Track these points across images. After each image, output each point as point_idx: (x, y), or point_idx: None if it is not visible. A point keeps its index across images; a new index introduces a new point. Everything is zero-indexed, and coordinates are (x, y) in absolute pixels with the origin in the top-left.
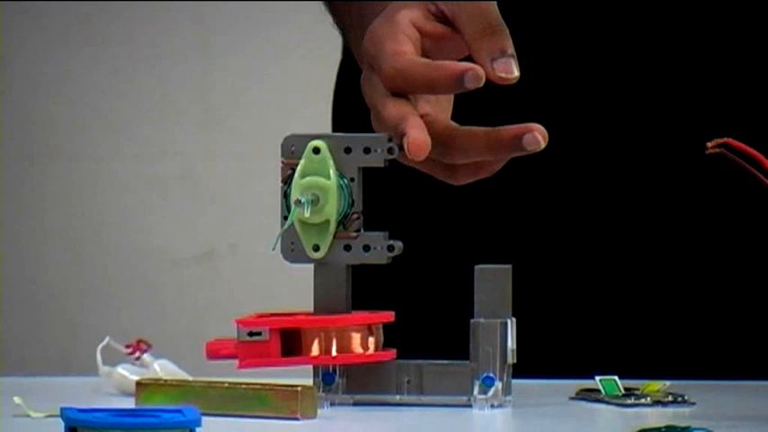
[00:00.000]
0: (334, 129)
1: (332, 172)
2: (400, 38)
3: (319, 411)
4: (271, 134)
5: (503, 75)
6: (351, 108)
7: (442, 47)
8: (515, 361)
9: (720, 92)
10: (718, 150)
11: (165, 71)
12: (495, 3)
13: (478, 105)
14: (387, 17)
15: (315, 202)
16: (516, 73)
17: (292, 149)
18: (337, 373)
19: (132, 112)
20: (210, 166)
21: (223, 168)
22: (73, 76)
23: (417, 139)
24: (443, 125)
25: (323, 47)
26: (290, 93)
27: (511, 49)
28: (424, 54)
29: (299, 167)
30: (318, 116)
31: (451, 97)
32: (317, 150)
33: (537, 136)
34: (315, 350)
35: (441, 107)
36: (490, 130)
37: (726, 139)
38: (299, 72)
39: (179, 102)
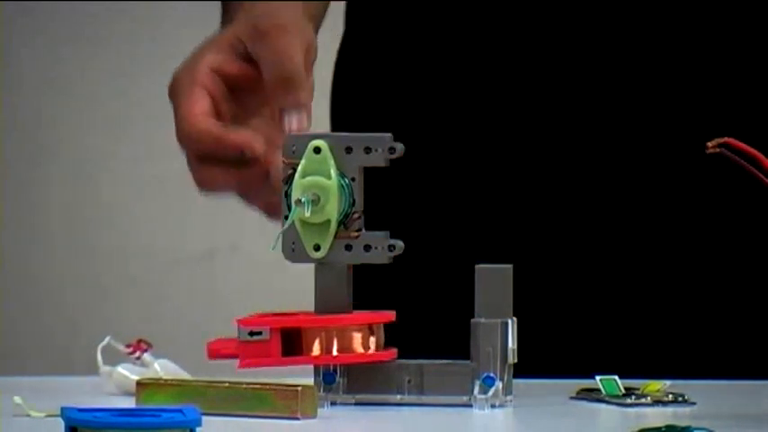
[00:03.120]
0: (333, 127)
1: (333, 172)
2: (196, 93)
3: (320, 411)
4: None
5: (294, 128)
6: (349, 105)
7: (252, 85)
8: (516, 361)
9: (720, 92)
10: (718, 150)
11: (165, 71)
12: (299, 49)
13: (481, 108)
14: (190, 61)
15: (315, 201)
16: (306, 126)
17: (293, 149)
18: (338, 372)
19: (132, 112)
20: None
21: None
22: (73, 76)
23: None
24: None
25: (322, 47)
26: None
27: (304, 101)
28: (233, 94)
29: (299, 167)
30: (318, 116)
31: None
32: (317, 150)
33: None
34: (316, 350)
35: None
36: None
37: (726, 139)
38: None
39: None
